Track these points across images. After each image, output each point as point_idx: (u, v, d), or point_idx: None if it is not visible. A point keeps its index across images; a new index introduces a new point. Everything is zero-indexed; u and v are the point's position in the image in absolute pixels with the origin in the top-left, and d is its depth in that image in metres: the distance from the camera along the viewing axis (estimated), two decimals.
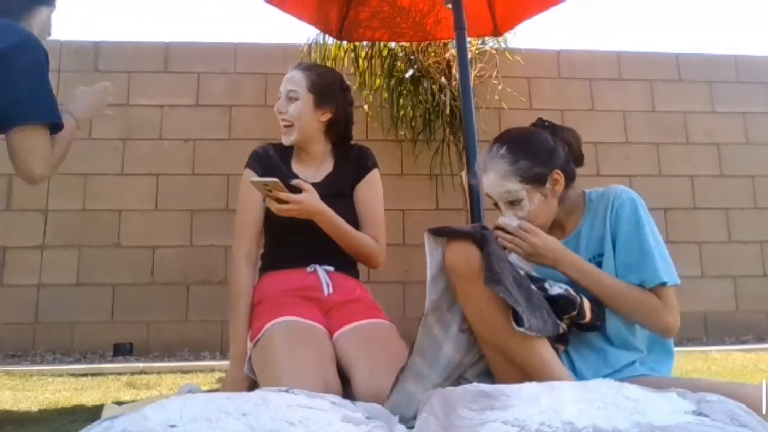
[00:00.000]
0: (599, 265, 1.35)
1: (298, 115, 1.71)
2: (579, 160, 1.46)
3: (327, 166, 1.79)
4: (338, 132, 1.81)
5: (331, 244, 1.69)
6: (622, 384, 0.95)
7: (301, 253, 1.67)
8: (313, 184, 1.68)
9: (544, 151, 1.38)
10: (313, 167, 1.78)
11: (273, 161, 1.76)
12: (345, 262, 1.73)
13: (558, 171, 1.37)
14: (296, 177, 1.72)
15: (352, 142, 1.88)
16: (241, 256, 1.68)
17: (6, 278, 3.53)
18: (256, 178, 1.54)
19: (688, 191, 4.08)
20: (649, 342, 1.35)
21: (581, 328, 1.29)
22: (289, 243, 1.69)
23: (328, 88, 1.76)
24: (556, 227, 1.43)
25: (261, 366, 1.47)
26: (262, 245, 1.77)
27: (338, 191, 1.73)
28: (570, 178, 1.41)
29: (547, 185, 1.36)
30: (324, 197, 1.65)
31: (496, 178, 1.37)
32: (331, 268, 1.68)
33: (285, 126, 1.73)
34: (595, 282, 1.31)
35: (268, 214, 1.72)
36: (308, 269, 1.66)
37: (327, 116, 1.76)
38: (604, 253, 1.34)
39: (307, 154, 1.78)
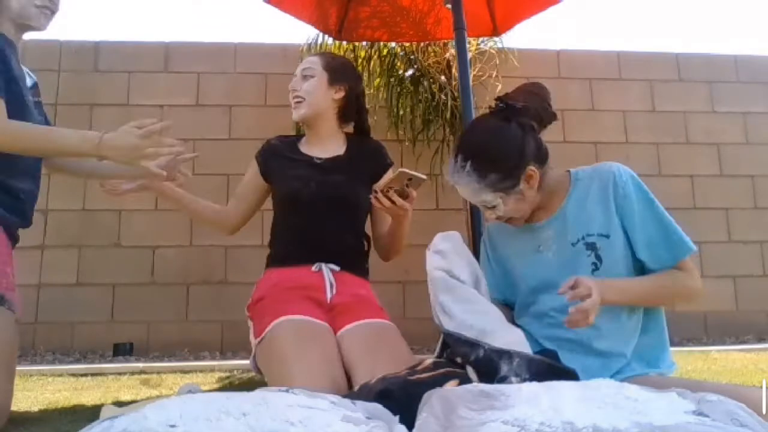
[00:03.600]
0: (592, 246, 1.29)
1: (312, 91, 1.76)
2: (549, 118, 1.38)
3: (337, 148, 1.80)
4: (350, 115, 1.83)
5: (340, 240, 1.69)
6: (622, 384, 0.95)
7: (308, 248, 1.66)
8: (322, 160, 1.73)
9: (511, 156, 1.30)
10: (323, 147, 1.79)
11: (277, 148, 1.82)
12: (354, 260, 1.72)
13: (531, 168, 1.31)
14: (305, 157, 1.76)
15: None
16: (225, 207, 1.86)
17: None
18: (406, 170, 1.49)
19: (688, 191, 4.09)
20: (642, 339, 1.32)
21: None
22: (297, 237, 1.69)
23: (342, 67, 1.83)
24: (538, 209, 1.38)
25: (268, 363, 1.47)
26: (270, 237, 1.78)
27: (347, 172, 1.74)
28: (543, 159, 1.34)
29: (521, 185, 1.31)
30: (330, 172, 1.69)
31: (468, 192, 1.34)
32: (337, 268, 1.67)
33: (296, 102, 1.77)
34: (630, 295, 1.26)
35: (279, 203, 1.75)
36: (313, 268, 1.65)
37: (341, 94, 1.79)
38: (609, 235, 1.29)
39: (316, 134, 1.80)
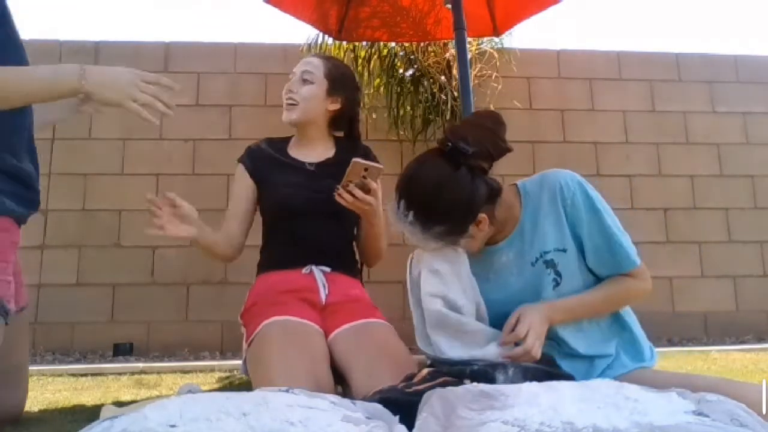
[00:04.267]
0: (550, 263, 1.27)
1: (308, 98, 1.72)
2: (501, 154, 1.26)
3: (327, 152, 1.79)
4: (341, 126, 1.82)
5: (331, 244, 1.69)
6: (622, 384, 0.95)
7: (299, 252, 1.66)
8: (312, 164, 1.71)
9: (459, 208, 1.22)
10: (312, 151, 1.78)
11: (265, 153, 1.77)
12: (345, 261, 1.72)
13: (480, 217, 1.24)
14: (294, 161, 1.74)
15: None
16: (221, 234, 1.71)
17: None
18: (360, 159, 1.47)
19: (688, 191, 4.08)
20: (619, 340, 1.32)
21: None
22: (288, 242, 1.68)
23: (342, 78, 1.78)
24: (497, 233, 1.34)
25: (253, 367, 1.47)
26: (261, 243, 1.77)
27: (336, 176, 1.68)
28: (495, 197, 1.28)
29: (470, 230, 1.26)
30: (320, 178, 1.67)
31: (413, 238, 1.28)
32: (328, 269, 1.67)
33: (289, 104, 1.72)
34: (580, 312, 1.28)
35: (270, 211, 1.72)
36: (304, 270, 1.65)
37: (335, 106, 1.77)
38: (566, 249, 1.28)
39: (306, 139, 1.78)
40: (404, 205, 1.24)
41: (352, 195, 1.51)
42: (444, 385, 1.09)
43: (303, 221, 1.66)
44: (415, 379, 1.14)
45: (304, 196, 1.66)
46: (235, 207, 1.76)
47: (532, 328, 1.19)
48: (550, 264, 1.28)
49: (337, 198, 1.53)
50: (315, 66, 1.74)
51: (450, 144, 1.23)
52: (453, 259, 1.30)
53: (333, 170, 1.69)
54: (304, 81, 1.73)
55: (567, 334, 1.29)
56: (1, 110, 1.23)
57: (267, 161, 1.76)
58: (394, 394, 1.08)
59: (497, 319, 1.31)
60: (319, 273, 1.65)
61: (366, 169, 1.47)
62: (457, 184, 1.21)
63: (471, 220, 1.24)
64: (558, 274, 1.28)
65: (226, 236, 1.72)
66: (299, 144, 1.80)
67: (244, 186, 1.76)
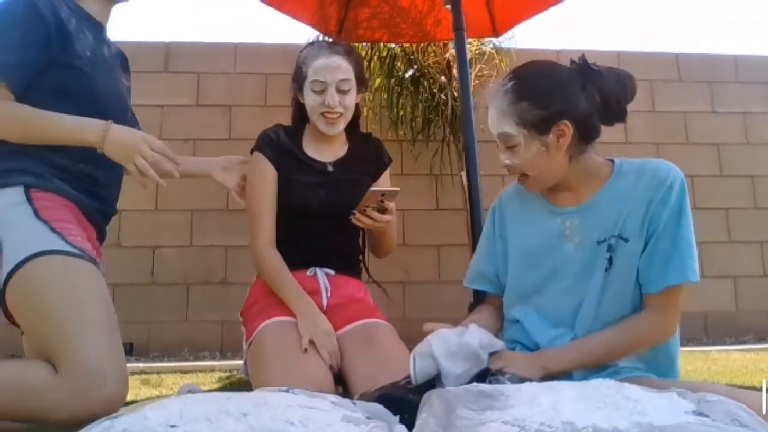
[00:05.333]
0: (610, 247, 1.18)
1: (350, 106, 1.68)
2: (616, 114, 1.24)
3: (341, 149, 1.76)
4: (356, 117, 1.80)
5: (338, 246, 1.68)
6: (622, 384, 0.95)
7: (305, 254, 1.65)
8: (331, 164, 1.69)
9: (552, 94, 1.19)
10: (329, 148, 1.74)
11: (285, 146, 1.69)
12: (347, 263, 1.72)
13: (566, 122, 1.18)
14: (310, 160, 1.70)
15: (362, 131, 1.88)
16: (263, 243, 1.60)
17: None
18: (377, 188, 1.50)
19: (689, 191, 4.08)
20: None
21: None
22: (296, 242, 1.66)
23: (362, 72, 1.75)
24: (566, 191, 1.27)
25: (253, 368, 1.48)
26: None
27: (354, 177, 1.71)
28: (588, 134, 1.22)
29: (551, 135, 1.19)
30: (338, 181, 1.66)
31: (495, 115, 1.23)
32: (332, 272, 1.66)
33: (333, 118, 1.64)
34: (579, 362, 1.17)
35: (283, 210, 1.67)
36: (308, 272, 1.64)
37: (358, 99, 1.75)
38: (629, 239, 1.18)
39: (327, 136, 1.71)
40: (507, 78, 1.23)
41: (370, 218, 1.53)
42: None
43: (314, 223, 1.64)
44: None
45: (322, 199, 1.64)
46: (267, 204, 1.63)
47: (512, 362, 1.12)
48: (610, 248, 1.19)
49: (354, 221, 1.54)
50: (347, 71, 1.65)
51: (579, 60, 1.25)
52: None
53: (350, 170, 1.70)
54: (342, 92, 1.64)
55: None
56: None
57: (287, 155, 1.68)
58: (396, 391, 1.08)
59: (536, 281, 1.26)
60: (322, 276, 1.64)
61: (383, 194, 1.49)
62: (566, 76, 1.22)
63: (557, 119, 1.18)
64: (611, 260, 1.19)
65: (271, 246, 1.61)
66: (316, 140, 1.72)
67: (271, 179, 1.65)
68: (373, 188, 1.50)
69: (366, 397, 1.08)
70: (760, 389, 0.99)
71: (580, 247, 1.23)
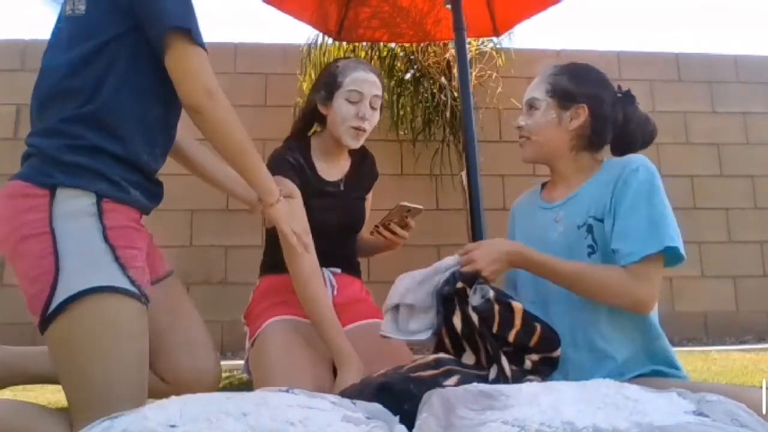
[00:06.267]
0: (590, 228, 1.27)
1: (374, 124, 1.69)
2: (626, 141, 1.37)
3: (345, 164, 1.76)
4: None
5: (344, 250, 1.70)
6: (622, 384, 0.95)
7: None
8: (341, 182, 1.70)
9: (591, 81, 1.36)
10: (336, 165, 1.74)
11: (303, 170, 1.65)
12: (351, 264, 1.73)
13: (585, 106, 1.33)
14: (325, 183, 1.69)
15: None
16: (306, 270, 1.52)
17: (6, 278, 3.53)
18: (405, 203, 1.53)
19: (688, 191, 4.09)
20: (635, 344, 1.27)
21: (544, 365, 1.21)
22: None
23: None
24: (561, 182, 1.39)
25: (255, 367, 1.48)
26: (267, 245, 1.74)
27: (360, 195, 1.76)
28: (597, 137, 1.35)
29: (568, 113, 1.34)
30: (348, 200, 1.69)
31: (534, 83, 1.40)
32: (338, 270, 1.68)
33: (362, 131, 1.65)
34: (551, 269, 1.24)
35: None
36: None
37: None
38: (603, 219, 1.26)
39: (338, 151, 1.71)
40: (570, 62, 1.41)
41: (392, 232, 1.55)
42: (448, 373, 1.09)
43: (323, 237, 1.64)
44: (422, 362, 1.14)
45: (335, 219, 1.66)
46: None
47: (482, 248, 1.25)
48: (590, 229, 1.27)
49: (375, 235, 1.59)
50: (379, 87, 1.69)
51: (628, 90, 1.42)
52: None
53: (357, 187, 1.74)
54: (374, 108, 1.67)
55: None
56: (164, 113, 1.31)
57: (305, 179, 1.64)
58: (399, 376, 1.07)
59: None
60: (328, 274, 1.65)
61: (408, 210, 1.52)
62: (608, 85, 1.39)
63: (581, 100, 1.33)
64: (595, 241, 1.27)
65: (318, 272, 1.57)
66: (324, 154, 1.71)
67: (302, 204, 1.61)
68: (401, 203, 1.52)
69: (368, 380, 1.08)
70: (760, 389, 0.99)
71: (564, 234, 1.33)
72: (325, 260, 1.65)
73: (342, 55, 3.82)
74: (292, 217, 1.39)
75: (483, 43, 3.93)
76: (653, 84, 4.21)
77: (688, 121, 4.20)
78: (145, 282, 1.22)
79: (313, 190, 1.63)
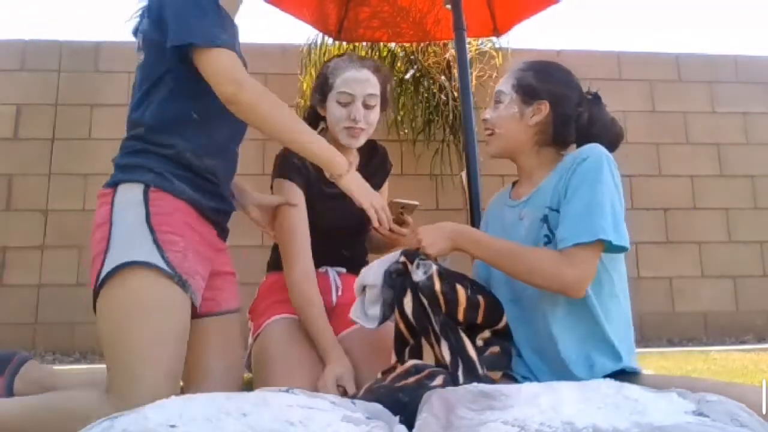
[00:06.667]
0: (545, 219, 1.29)
1: (374, 122, 1.66)
2: (590, 136, 1.37)
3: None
4: None
5: (351, 251, 1.70)
6: (622, 384, 0.96)
7: (318, 257, 1.62)
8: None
9: (555, 79, 1.39)
10: None
11: (310, 171, 1.64)
12: (356, 264, 1.73)
13: (546, 102, 1.36)
14: (329, 181, 1.68)
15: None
16: (298, 275, 1.54)
17: (6, 278, 3.53)
18: (398, 199, 1.51)
19: (688, 191, 4.08)
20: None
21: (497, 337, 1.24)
22: (311, 249, 1.61)
23: (387, 92, 1.73)
24: (526, 179, 1.43)
25: (256, 363, 1.49)
26: (273, 243, 1.73)
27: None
28: (560, 135, 1.38)
29: (530, 108, 1.37)
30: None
31: (504, 78, 1.45)
32: (343, 270, 1.68)
33: (355, 131, 1.62)
34: (484, 248, 1.28)
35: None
36: (319, 270, 1.64)
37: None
38: (559, 209, 1.27)
39: (343, 150, 1.65)
40: (529, 62, 1.44)
41: (390, 230, 1.54)
42: (432, 376, 1.09)
43: (329, 236, 1.64)
44: (401, 371, 1.14)
45: (340, 220, 1.64)
46: (302, 233, 1.58)
47: (428, 227, 1.31)
48: (545, 219, 1.30)
49: (373, 232, 1.58)
50: (375, 86, 1.65)
51: (596, 93, 1.46)
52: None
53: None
54: (368, 107, 1.63)
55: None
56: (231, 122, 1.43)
57: (312, 181, 1.63)
58: (386, 391, 1.07)
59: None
60: (333, 274, 1.66)
61: (403, 207, 1.52)
62: (574, 85, 1.41)
63: (543, 97, 1.37)
64: (550, 231, 1.28)
65: (307, 279, 1.55)
66: None
67: (304, 209, 1.61)
68: (395, 199, 1.50)
69: (367, 397, 1.08)
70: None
71: (529, 229, 1.35)
72: (330, 260, 1.66)
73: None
74: (369, 189, 1.41)
75: (483, 43, 3.93)
76: (653, 84, 4.20)
77: (688, 121, 4.20)
78: (186, 268, 1.30)
79: (318, 192, 1.63)
